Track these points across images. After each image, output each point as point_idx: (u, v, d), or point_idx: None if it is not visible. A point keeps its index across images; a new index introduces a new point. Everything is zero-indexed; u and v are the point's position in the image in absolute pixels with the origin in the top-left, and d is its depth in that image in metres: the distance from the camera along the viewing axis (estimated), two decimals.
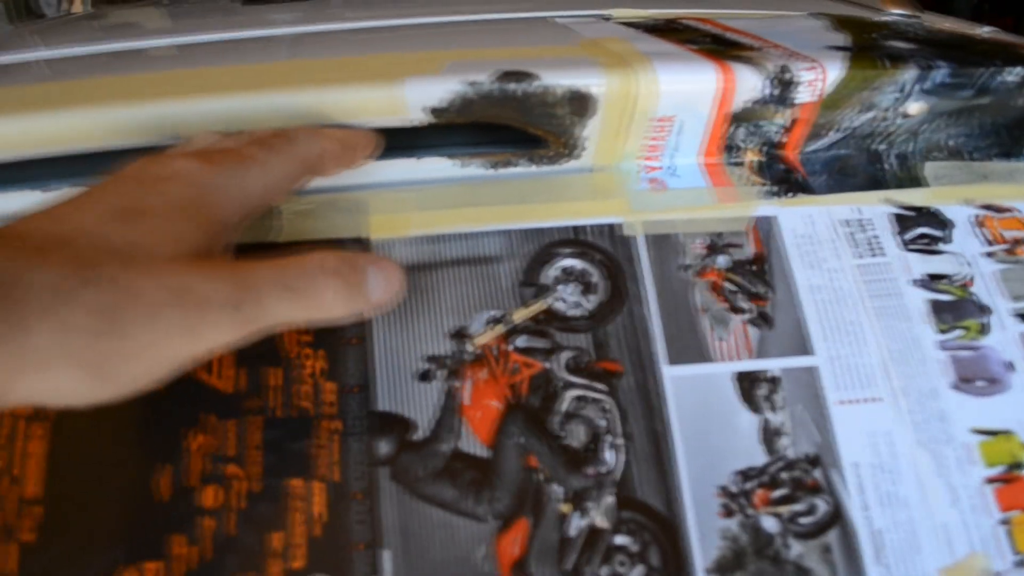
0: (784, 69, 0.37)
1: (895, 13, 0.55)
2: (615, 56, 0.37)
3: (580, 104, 0.36)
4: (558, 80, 0.35)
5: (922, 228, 0.40)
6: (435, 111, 0.35)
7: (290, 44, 0.48)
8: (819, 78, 0.37)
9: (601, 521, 0.33)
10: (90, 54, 0.50)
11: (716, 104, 0.37)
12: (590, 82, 0.35)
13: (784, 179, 0.40)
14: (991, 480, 0.35)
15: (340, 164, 0.35)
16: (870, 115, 0.40)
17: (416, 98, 0.35)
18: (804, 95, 0.38)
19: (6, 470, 0.33)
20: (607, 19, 0.49)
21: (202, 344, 0.26)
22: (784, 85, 0.37)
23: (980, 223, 0.40)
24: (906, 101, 0.39)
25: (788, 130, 0.39)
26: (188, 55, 0.47)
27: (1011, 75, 0.40)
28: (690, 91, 0.37)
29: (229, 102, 0.35)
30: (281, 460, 0.34)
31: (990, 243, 0.40)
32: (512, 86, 0.35)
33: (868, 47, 0.41)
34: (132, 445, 0.34)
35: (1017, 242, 0.40)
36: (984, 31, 0.51)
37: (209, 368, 0.35)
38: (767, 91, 0.37)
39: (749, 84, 0.37)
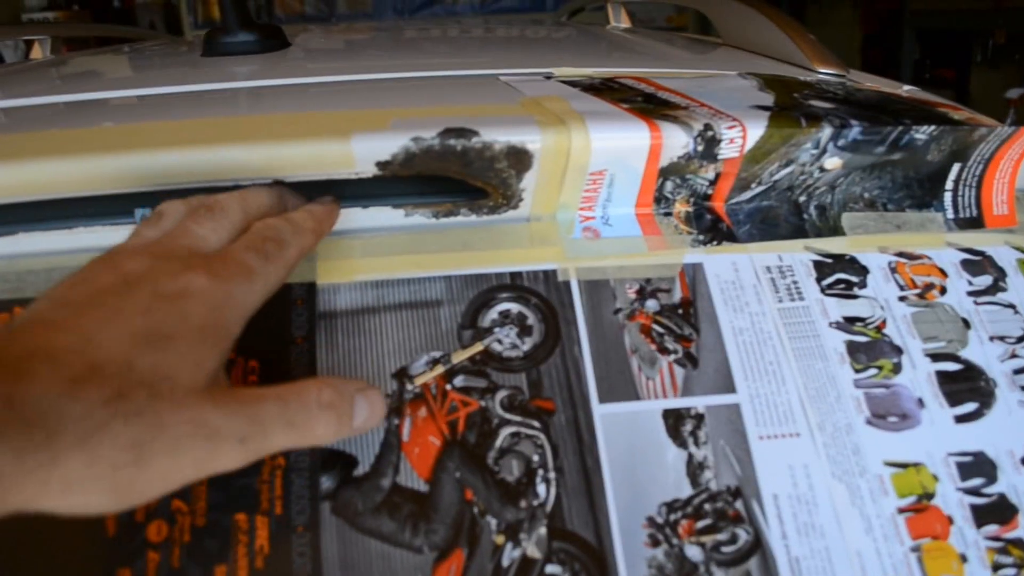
0: (708, 127, 0.40)
1: (823, 72, 0.59)
2: (551, 115, 0.40)
3: (517, 159, 0.38)
4: (496, 137, 0.38)
5: (839, 274, 0.42)
6: (380, 164, 0.38)
7: (247, 97, 0.50)
8: (741, 135, 0.40)
9: (533, 552, 0.35)
10: (51, 103, 0.52)
11: (647, 159, 0.40)
12: (526, 139, 0.38)
13: (711, 228, 0.43)
14: (903, 510, 0.37)
15: (313, 249, 0.37)
16: (790, 169, 0.43)
17: (363, 152, 0.37)
18: (727, 151, 0.41)
19: None
20: (549, 77, 0.52)
21: (210, 470, 0.28)
22: (708, 142, 0.40)
23: (894, 269, 0.43)
24: (822, 156, 0.42)
25: (714, 183, 0.42)
26: (149, 107, 0.49)
27: (921, 133, 0.43)
28: (621, 147, 0.39)
29: (190, 155, 0.37)
30: (226, 495, 0.35)
31: (903, 288, 0.43)
32: (453, 141, 0.37)
33: (789, 107, 0.44)
34: None
35: (928, 287, 0.43)
36: (905, 90, 0.55)
37: None
38: (693, 147, 0.40)
39: (677, 141, 0.40)
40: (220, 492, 0.35)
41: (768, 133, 0.41)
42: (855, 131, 0.42)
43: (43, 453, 0.24)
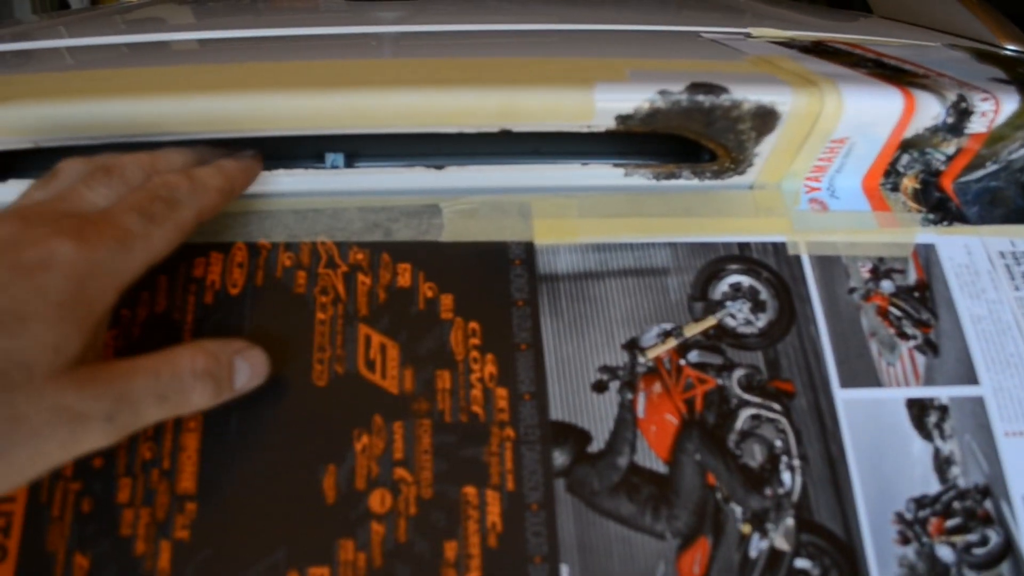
0: (962, 99, 0.37)
1: (1010, 48, 0.56)
2: (798, 76, 0.37)
3: (763, 120, 0.35)
4: (747, 95, 0.35)
5: None
6: (621, 118, 0.35)
7: (447, 41, 0.46)
8: (993, 109, 0.37)
9: (781, 543, 0.33)
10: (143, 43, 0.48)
11: (893, 129, 0.37)
12: (777, 99, 0.35)
13: (940, 207, 0.40)
14: None
15: (222, 208, 0.34)
16: None
17: (605, 104, 0.34)
18: (977, 126, 0.38)
19: (154, 462, 0.32)
20: (747, 36, 0.49)
21: (78, 452, 0.26)
22: (960, 114, 0.37)
23: None
24: None
25: (951, 159, 0.40)
26: (341, 47, 0.46)
27: None
28: (872, 114, 0.36)
29: (419, 96, 0.34)
30: (453, 466, 0.32)
31: None
32: (702, 97, 0.35)
33: None
34: (297, 443, 0.32)
35: None
36: None
37: (373, 366, 0.34)
38: (943, 119, 0.37)
39: (930, 111, 0.37)
40: (446, 462, 0.32)
41: (1022, 108, 0.38)
42: None
43: None
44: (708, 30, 0.50)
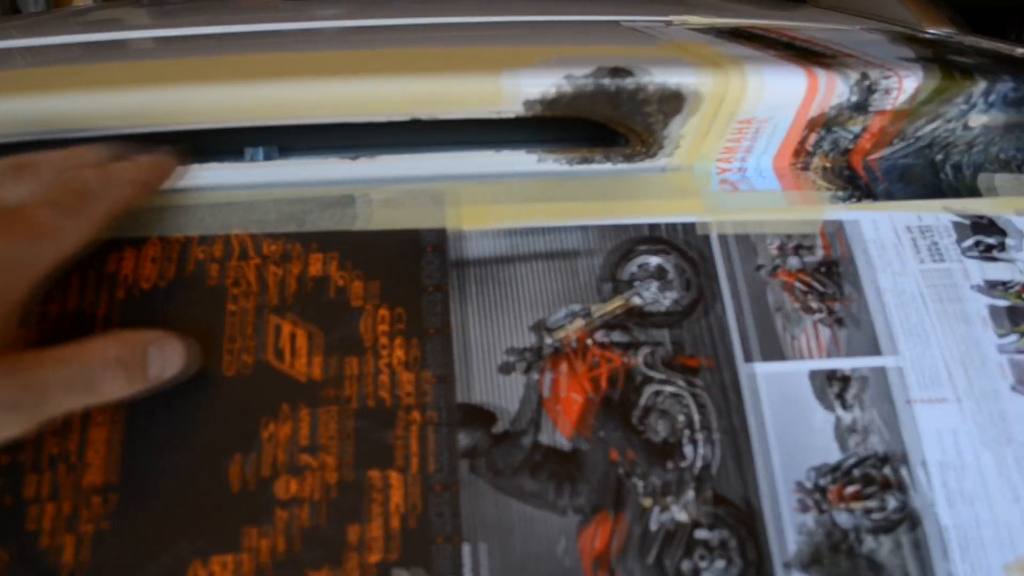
0: (865, 76, 0.38)
1: (931, 32, 0.56)
2: (706, 57, 0.38)
3: (670, 102, 0.36)
4: (653, 78, 0.35)
5: (979, 236, 0.41)
6: (528, 103, 0.35)
7: (364, 34, 0.47)
8: (897, 87, 0.38)
9: (681, 515, 0.34)
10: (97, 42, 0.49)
11: (799, 108, 0.38)
12: (684, 81, 0.36)
13: (849, 184, 0.41)
14: None
15: (137, 203, 0.34)
16: (935, 125, 0.41)
17: (512, 89, 0.35)
18: (881, 103, 0.39)
19: (61, 457, 0.32)
20: (669, 24, 0.50)
21: None
22: (864, 92, 0.38)
23: None
24: (969, 113, 0.41)
25: (858, 137, 0.40)
26: (262, 42, 0.46)
27: None
28: (779, 95, 0.37)
29: (322, 87, 0.35)
30: (358, 451, 0.33)
31: None
32: (608, 81, 0.35)
33: (941, 59, 0.42)
34: (205, 434, 0.33)
35: None
36: (1019, 52, 0.53)
37: (281, 355, 0.35)
38: (847, 97, 0.38)
39: (834, 90, 0.38)
40: (353, 447, 0.33)
41: (925, 85, 0.39)
42: (1008, 86, 0.40)
43: None
44: (629, 19, 0.50)
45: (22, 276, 0.29)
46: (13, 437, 0.28)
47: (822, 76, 0.37)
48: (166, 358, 0.32)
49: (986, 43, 0.55)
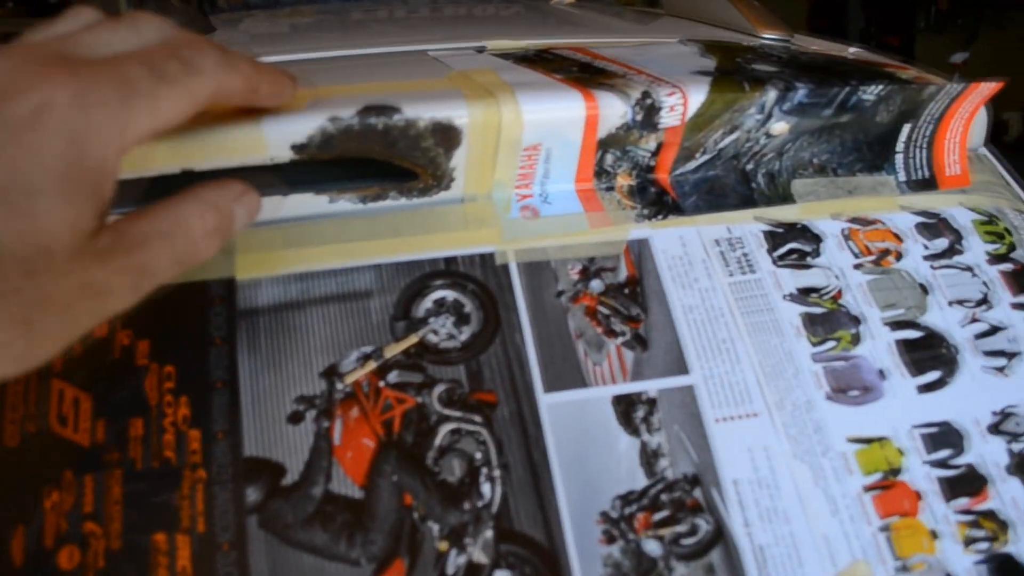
0: (646, 95, 0.38)
1: (766, 37, 0.57)
2: (479, 87, 0.37)
3: (445, 135, 0.36)
4: (420, 113, 0.35)
5: (792, 244, 0.40)
6: (296, 147, 0.35)
7: None
8: (681, 102, 0.38)
9: (480, 556, 0.33)
10: None
11: (584, 131, 0.37)
12: (453, 114, 0.35)
13: (656, 202, 0.40)
14: (869, 488, 0.35)
15: (240, 103, 0.32)
16: (736, 136, 0.41)
17: (276, 136, 0.34)
18: (668, 119, 0.38)
19: None
20: (481, 51, 0.49)
21: (105, 317, 0.26)
22: (647, 110, 0.38)
23: (848, 236, 0.41)
24: (768, 121, 0.40)
25: (656, 154, 0.40)
26: None
27: (868, 93, 0.41)
28: (555, 119, 0.37)
29: None
30: (143, 514, 0.32)
31: (858, 255, 0.41)
32: (373, 120, 0.35)
33: (731, 71, 0.42)
34: None
35: (884, 253, 0.41)
36: (851, 51, 0.53)
37: (65, 421, 0.33)
38: (631, 116, 0.38)
39: (614, 111, 0.37)
40: (137, 511, 0.32)
41: (710, 99, 0.38)
42: (801, 93, 0.40)
43: None
44: (438, 48, 0.50)
45: (113, 145, 0.24)
46: (125, 310, 0.27)
47: (602, 97, 0.37)
48: (248, 214, 0.31)
49: (816, 45, 0.55)
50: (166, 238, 0.27)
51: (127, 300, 0.26)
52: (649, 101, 0.38)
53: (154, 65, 0.25)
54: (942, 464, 0.37)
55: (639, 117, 0.38)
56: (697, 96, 0.38)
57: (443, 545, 0.33)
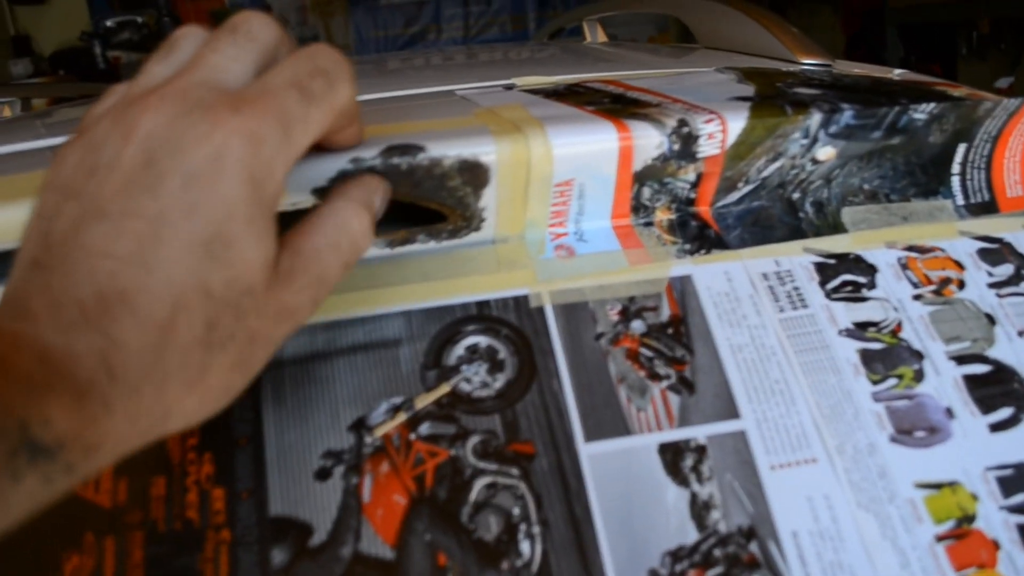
0: (683, 123, 0.36)
1: (807, 63, 0.55)
2: (506, 123, 0.36)
3: (472, 174, 0.34)
4: (445, 151, 0.34)
5: (845, 275, 0.38)
6: (317, 191, 0.34)
7: None
8: (720, 130, 0.36)
9: None
10: None
11: (618, 164, 0.36)
12: (479, 151, 0.34)
13: (698, 236, 0.38)
14: (941, 537, 0.33)
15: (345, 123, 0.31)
16: (780, 163, 0.38)
17: (298, 180, 0.33)
18: (707, 148, 0.36)
19: None
20: (510, 88, 0.48)
21: (295, 330, 0.28)
22: (684, 140, 0.36)
23: (905, 265, 0.39)
24: (814, 147, 0.38)
25: (696, 185, 0.38)
26: None
27: (919, 112, 0.39)
28: (587, 152, 0.35)
29: None
30: None
31: (917, 285, 0.38)
32: (397, 160, 0.33)
33: (771, 96, 0.40)
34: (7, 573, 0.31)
35: (944, 282, 0.38)
36: (896, 73, 0.51)
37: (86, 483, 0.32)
38: (668, 146, 0.36)
39: (649, 141, 0.35)
40: (158, 575, 0.30)
41: (750, 125, 0.36)
42: (847, 115, 0.38)
43: (156, 409, 0.24)
44: (467, 87, 0.49)
45: (280, 177, 0.25)
46: (306, 321, 0.28)
47: (635, 127, 0.35)
48: (385, 200, 0.33)
49: (858, 70, 0.53)
50: (335, 247, 0.29)
51: (311, 312, 0.28)
52: (686, 129, 0.36)
53: (303, 87, 0.26)
54: (1020, 510, 0.34)
55: (676, 147, 0.36)
56: (736, 122, 0.36)
57: None
